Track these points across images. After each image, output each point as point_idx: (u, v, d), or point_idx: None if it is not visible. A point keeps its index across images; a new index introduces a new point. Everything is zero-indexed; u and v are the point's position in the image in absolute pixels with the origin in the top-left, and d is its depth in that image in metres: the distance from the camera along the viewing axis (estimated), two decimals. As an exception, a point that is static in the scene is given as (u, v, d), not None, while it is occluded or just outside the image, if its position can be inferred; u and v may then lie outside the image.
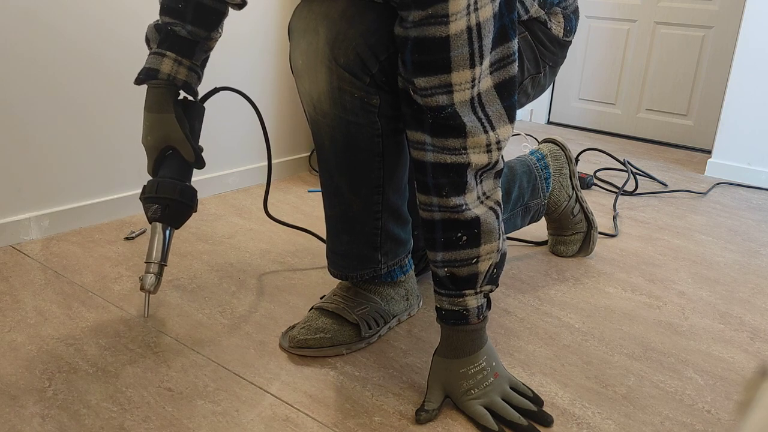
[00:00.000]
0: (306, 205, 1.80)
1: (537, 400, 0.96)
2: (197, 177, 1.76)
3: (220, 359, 1.04)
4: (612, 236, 1.69)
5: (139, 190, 1.65)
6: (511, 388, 0.96)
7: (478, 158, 0.85)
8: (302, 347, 1.05)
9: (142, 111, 1.61)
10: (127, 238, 1.49)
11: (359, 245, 1.05)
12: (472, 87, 0.82)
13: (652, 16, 2.87)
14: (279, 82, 1.95)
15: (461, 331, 0.92)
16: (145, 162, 1.65)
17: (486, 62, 0.82)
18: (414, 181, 0.92)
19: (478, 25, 0.79)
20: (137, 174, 1.65)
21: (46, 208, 1.48)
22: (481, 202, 0.89)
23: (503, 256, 0.93)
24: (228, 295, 1.26)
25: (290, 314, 1.20)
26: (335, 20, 0.86)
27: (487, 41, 0.81)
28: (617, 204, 1.97)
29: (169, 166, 1.10)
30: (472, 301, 0.91)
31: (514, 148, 2.59)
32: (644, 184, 2.22)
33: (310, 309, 1.11)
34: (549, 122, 3.31)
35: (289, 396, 0.96)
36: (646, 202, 2.02)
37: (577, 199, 1.48)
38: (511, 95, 0.86)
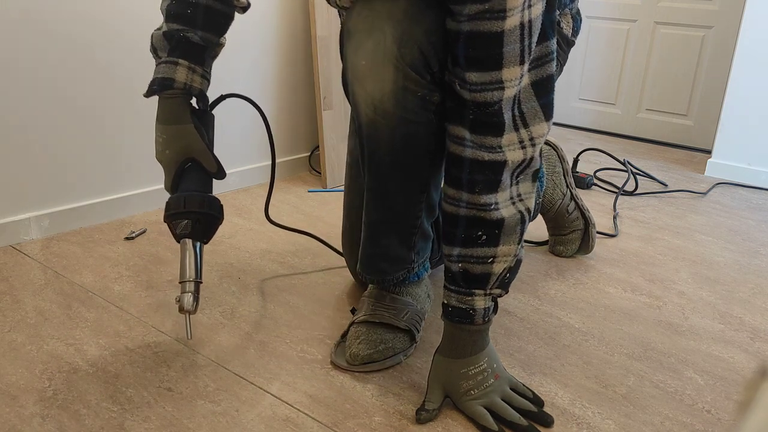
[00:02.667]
0: (306, 205, 1.80)
1: (537, 401, 0.96)
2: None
3: (220, 359, 1.04)
4: (612, 236, 1.69)
5: (139, 190, 1.65)
6: (511, 389, 0.96)
7: (513, 155, 0.85)
8: (368, 362, 1.03)
9: (142, 110, 1.61)
10: (127, 238, 1.49)
11: (398, 246, 1.04)
12: (518, 84, 0.82)
13: (652, 16, 2.87)
14: (279, 82, 1.95)
15: (464, 330, 0.92)
16: (146, 163, 1.65)
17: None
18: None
19: (530, 22, 0.79)
20: (137, 174, 1.65)
21: (46, 208, 1.48)
22: (513, 203, 0.89)
23: (518, 263, 0.93)
24: (228, 295, 1.26)
25: (290, 314, 1.20)
26: (400, 19, 0.85)
27: (534, 39, 0.81)
28: (617, 204, 1.97)
29: (190, 179, 1.05)
30: (480, 302, 0.91)
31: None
32: (644, 184, 2.22)
33: (353, 324, 1.08)
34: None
35: (289, 396, 0.96)
36: (646, 202, 2.02)
37: (572, 197, 1.49)
38: (548, 93, 0.86)
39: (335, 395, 0.97)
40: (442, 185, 0.94)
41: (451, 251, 0.91)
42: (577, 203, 1.50)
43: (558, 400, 0.98)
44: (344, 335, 1.09)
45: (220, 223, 1.07)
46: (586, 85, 3.13)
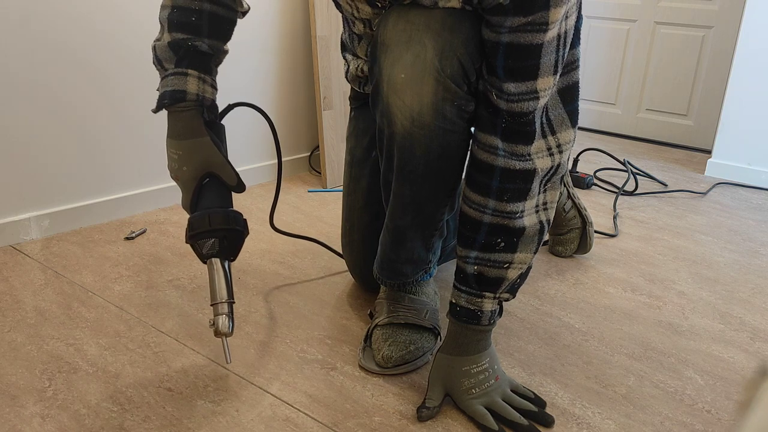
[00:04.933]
0: (306, 205, 1.80)
1: (539, 402, 0.96)
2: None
3: (220, 359, 1.04)
4: (612, 236, 1.69)
5: (139, 190, 1.65)
6: (512, 390, 0.96)
7: (542, 163, 0.86)
8: (401, 364, 1.03)
9: (142, 110, 1.61)
10: (127, 238, 1.49)
11: (420, 249, 1.05)
12: (550, 93, 0.83)
13: (652, 16, 2.87)
14: (279, 82, 1.95)
15: (470, 330, 0.93)
16: (146, 163, 1.65)
17: None
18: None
19: (565, 33, 0.80)
20: (137, 174, 1.65)
21: (46, 208, 1.48)
22: (537, 212, 0.90)
23: (529, 269, 0.94)
24: (228, 295, 1.26)
25: (290, 314, 1.20)
26: (439, 31, 0.84)
27: (568, 49, 0.82)
28: (617, 204, 1.97)
29: (210, 195, 0.99)
30: (489, 305, 0.92)
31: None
32: (644, 184, 2.22)
33: (376, 327, 1.08)
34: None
35: (289, 396, 0.96)
36: (646, 202, 2.02)
37: (569, 195, 1.49)
38: (574, 100, 0.87)
39: (335, 395, 0.97)
40: (464, 185, 0.94)
41: (468, 253, 0.91)
42: (574, 201, 1.50)
43: (558, 400, 0.98)
44: (367, 339, 1.09)
45: (245, 237, 1.02)
46: (587, 85, 3.13)
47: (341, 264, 1.42)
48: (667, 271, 1.50)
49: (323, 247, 1.45)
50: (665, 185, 2.23)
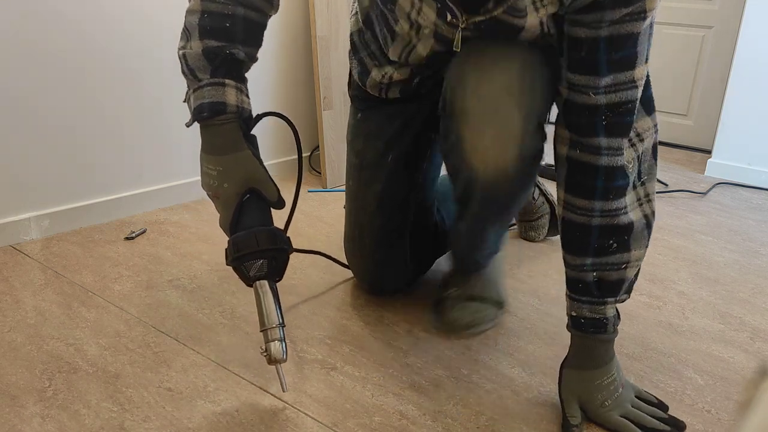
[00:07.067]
0: (306, 205, 1.80)
1: (663, 406, 0.96)
2: (197, 177, 1.75)
3: (220, 359, 1.04)
4: (612, 236, 1.69)
5: (139, 190, 1.65)
6: (636, 396, 0.95)
7: (628, 154, 0.86)
8: (471, 327, 1.15)
9: (142, 110, 1.61)
10: (127, 238, 1.49)
11: (497, 241, 1.16)
12: (643, 82, 0.84)
13: (652, 16, 2.87)
14: (279, 82, 1.95)
15: (598, 341, 0.92)
16: (146, 163, 1.65)
17: None
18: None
19: (653, 21, 0.81)
20: (137, 174, 1.65)
21: (46, 208, 1.48)
22: (640, 205, 0.90)
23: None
24: (228, 295, 1.26)
25: (290, 314, 1.20)
26: (518, 96, 0.86)
27: (652, 38, 0.83)
28: (617, 204, 1.97)
29: (251, 213, 0.94)
30: (611, 310, 0.92)
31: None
32: (644, 184, 2.22)
33: (447, 297, 1.18)
34: (548, 122, 3.31)
35: (289, 396, 0.96)
36: (646, 202, 2.02)
37: (535, 185, 1.52)
38: (647, 88, 0.87)
39: (335, 395, 0.97)
40: (561, 194, 0.92)
41: (583, 261, 0.90)
42: (540, 189, 1.55)
43: (558, 400, 0.98)
44: (437, 304, 1.19)
45: (290, 255, 0.97)
46: (586, 85, 3.13)
47: (341, 264, 1.42)
48: (667, 271, 1.50)
49: (336, 263, 1.39)
50: (665, 185, 2.23)
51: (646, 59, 0.82)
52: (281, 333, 0.90)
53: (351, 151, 1.23)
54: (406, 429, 0.90)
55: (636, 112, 0.85)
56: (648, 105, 0.87)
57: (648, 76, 0.86)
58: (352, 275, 1.36)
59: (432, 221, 1.30)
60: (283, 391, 0.94)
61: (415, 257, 1.26)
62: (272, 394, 0.96)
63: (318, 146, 2.08)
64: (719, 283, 1.44)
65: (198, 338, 1.10)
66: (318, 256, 1.45)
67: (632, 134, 0.86)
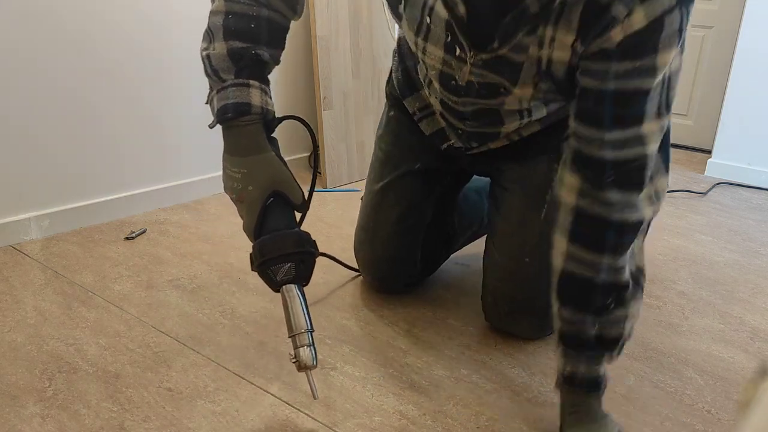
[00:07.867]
0: (306, 205, 1.80)
1: None
2: (197, 177, 1.76)
3: (220, 359, 1.04)
4: (612, 236, 1.69)
5: (139, 190, 1.65)
6: None
7: (647, 211, 0.82)
8: None
9: (142, 110, 1.61)
10: (127, 238, 1.49)
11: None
12: (657, 138, 0.80)
13: (652, 16, 2.87)
14: (279, 82, 1.95)
15: (593, 398, 0.89)
16: (146, 163, 1.65)
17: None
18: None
19: (669, 77, 0.77)
20: (137, 174, 1.65)
21: (46, 208, 1.48)
22: (631, 258, 0.86)
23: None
24: (228, 295, 1.26)
25: (290, 314, 1.20)
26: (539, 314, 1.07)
27: (673, 92, 0.78)
28: (617, 204, 1.97)
29: (275, 216, 0.91)
30: (603, 368, 0.88)
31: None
32: (644, 184, 2.22)
33: None
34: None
35: (289, 396, 0.96)
36: (646, 202, 2.02)
37: None
38: (666, 144, 0.84)
39: (335, 395, 0.97)
40: (563, 245, 0.86)
41: (584, 318, 0.85)
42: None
43: (558, 401, 0.98)
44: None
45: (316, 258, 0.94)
46: (586, 85, 3.13)
47: (341, 264, 1.42)
48: (667, 271, 1.50)
49: (343, 266, 1.38)
50: (665, 185, 2.23)
51: (668, 108, 0.78)
52: (310, 338, 0.87)
53: (378, 145, 1.25)
54: (406, 429, 0.90)
55: (652, 165, 0.80)
56: (666, 162, 0.84)
57: (668, 132, 0.82)
58: (352, 276, 1.36)
59: (450, 224, 1.30)
60: (314, 398, 0.90)
61: (425, 258, 1.26)
62: (272, 394, 0.96)
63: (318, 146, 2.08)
64: (719, 283, 1.44)
65: (198, 338, 1.10)
66: (318, 256, 1.45)
67: (652, 191, 0.82)
